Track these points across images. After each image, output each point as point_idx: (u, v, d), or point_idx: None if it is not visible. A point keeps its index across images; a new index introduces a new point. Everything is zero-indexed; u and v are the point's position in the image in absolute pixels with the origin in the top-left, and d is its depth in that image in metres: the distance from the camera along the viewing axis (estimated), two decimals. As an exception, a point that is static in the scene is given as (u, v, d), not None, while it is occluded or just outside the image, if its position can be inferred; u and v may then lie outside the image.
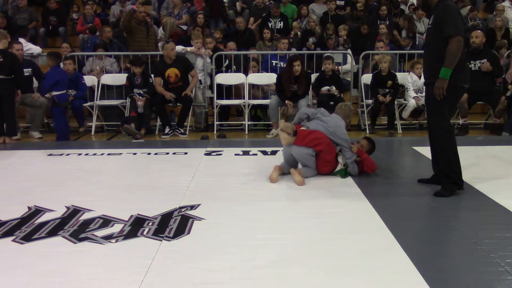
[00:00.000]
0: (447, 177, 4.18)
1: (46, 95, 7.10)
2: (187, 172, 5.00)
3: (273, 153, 5.81)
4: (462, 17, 5.81)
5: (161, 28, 9.58)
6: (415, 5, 10.82)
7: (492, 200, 4.06)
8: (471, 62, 7.13)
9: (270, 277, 2.72)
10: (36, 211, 3.84)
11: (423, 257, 2.96)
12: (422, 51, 8.22)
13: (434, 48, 4.12)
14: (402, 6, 11.01)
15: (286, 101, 7.13)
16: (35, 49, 8.58)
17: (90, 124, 7.79)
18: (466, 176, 4.34)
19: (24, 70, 7.26)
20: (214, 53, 8.01)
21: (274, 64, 8.30)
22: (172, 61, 7.40)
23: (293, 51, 8.52)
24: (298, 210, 3.86)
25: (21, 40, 8.00)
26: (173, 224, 3.53)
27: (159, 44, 8.87)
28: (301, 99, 7.20)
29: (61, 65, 7.33)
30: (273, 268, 2.83)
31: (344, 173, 4.75)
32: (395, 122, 7.54)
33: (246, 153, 5.94)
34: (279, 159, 5.15)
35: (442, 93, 3.99)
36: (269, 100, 7.63)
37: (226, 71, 8.17)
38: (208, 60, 7.96)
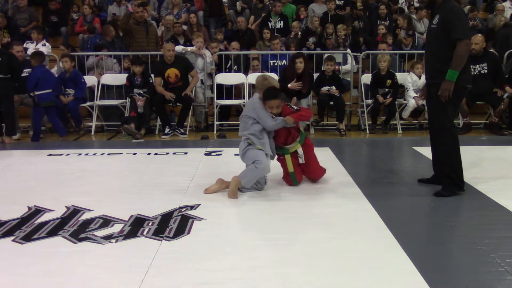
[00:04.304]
0: (448, 178, 4.17)
1: (30, 94, 7.04)
2: (187, 172, 5.01)
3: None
4: (468, 19, 5.74)
5: (162, 27, 9.60)
6: (415, 5, 10.84)
7: (492, 200, 4.06)
8: (471, 66, 7.10)
9: (270, 277, 2.72)
10: (36, 211, 3.84)
11: (423, 257, 2.95)
12: (422, 51, 8.27)
13: (438, 48, 4.11)
14: (403, 5, 11.04)
15: (290, 85, 7.05)
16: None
17: (90, 124, 7.79)
18: (467, 176, 4.33)
19: (24, 70, 7.27)
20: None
21: (272, 64, 8.30)
22: (171, 61, 7.39)
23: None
24: (298, 210, 3.86)
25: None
26: (173, 224, 3.53)
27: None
28: (302, 98, 7.20)
29: (61, 64, 7.30)
30: (273, 268, 2.82)
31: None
32: (391, 122, 7.56)
33: (246, 153, 5.92)
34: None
35: (448, 95, 3.99)
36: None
37: (229, 71, 8.18)
38: (209, 60, 7.95)
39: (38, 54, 7.25)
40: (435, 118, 4.27)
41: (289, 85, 7.02)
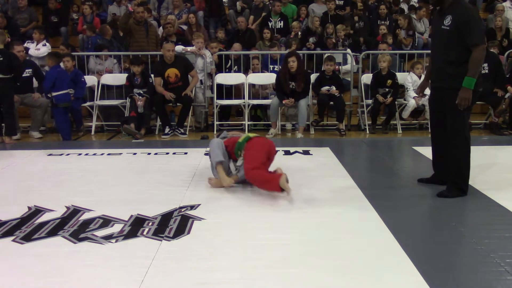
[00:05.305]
0: (453, 182, 4.14)
1: (48, 95, 7.08)
2: (187, 172, 5.01)
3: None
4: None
5: (161, 27, 9.61)
6: (414, 6, 10.84)
7: (492, 200, 4.06)
8: None
9: (270, 277, 2.72)
10: (36, 211, 3.84)
11: (423, 257, 2.95)
12: (422, 51, 8.28)
13: (451, 51, 3.94)
14: (403, 5, 11.04)
15: (284, 101, 7.15)
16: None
17: (90, 124, 7.80)
18: (467, 176, 4.34)
19: (26, 70, 7.26)
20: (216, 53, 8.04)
21: (272, 69, 8.31)
22: (171, 61, 7.39)
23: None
24: (298, 210, 3.86)
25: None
26: (173, 224, 3.53)
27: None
28: (301, 99, 7.20)
29: (61, 64, 7.32)
30: (273, 268, 2.82)
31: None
32: (391, 122, 7.56)
33: (246, 153, 5.92)
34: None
35: (467, 103, 3.90)
36: (269, 100, 7.64)
37: (229, 71, 8.18)
38: (209, 60, 7.96)
39: (54, 54, 7.26)
40: (453, 126, 4.10)
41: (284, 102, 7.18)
